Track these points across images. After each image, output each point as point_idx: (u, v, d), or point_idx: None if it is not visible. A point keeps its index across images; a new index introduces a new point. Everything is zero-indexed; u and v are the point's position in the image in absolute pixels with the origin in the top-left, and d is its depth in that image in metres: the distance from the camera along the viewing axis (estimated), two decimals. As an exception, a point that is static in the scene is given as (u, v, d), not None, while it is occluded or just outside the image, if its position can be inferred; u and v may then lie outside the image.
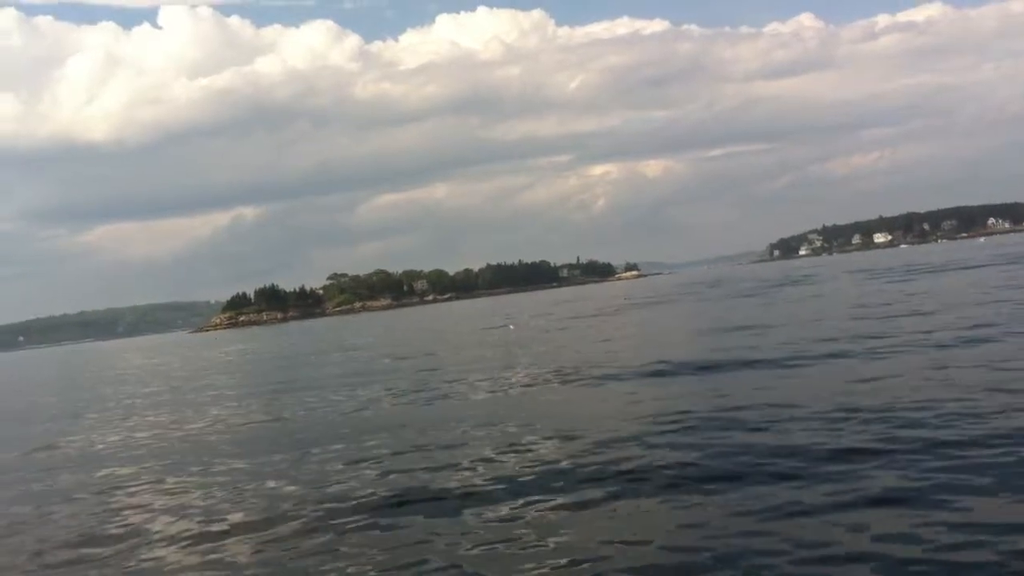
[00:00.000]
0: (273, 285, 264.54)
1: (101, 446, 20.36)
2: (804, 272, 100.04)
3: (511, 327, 51.80)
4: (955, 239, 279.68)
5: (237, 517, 11.64)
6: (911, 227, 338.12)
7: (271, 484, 13.42)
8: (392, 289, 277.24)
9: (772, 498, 9.71)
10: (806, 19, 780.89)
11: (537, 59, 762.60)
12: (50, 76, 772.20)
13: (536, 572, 8.33)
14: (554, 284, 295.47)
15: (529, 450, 13.67)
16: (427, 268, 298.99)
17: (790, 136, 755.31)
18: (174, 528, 11.46)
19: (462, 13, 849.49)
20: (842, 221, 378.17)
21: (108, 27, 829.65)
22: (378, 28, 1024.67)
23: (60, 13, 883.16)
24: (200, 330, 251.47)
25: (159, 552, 10.52)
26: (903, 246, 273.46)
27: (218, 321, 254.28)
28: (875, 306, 34.46)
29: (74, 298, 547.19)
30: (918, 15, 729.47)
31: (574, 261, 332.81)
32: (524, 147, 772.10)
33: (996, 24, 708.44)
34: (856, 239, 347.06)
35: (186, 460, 16.61)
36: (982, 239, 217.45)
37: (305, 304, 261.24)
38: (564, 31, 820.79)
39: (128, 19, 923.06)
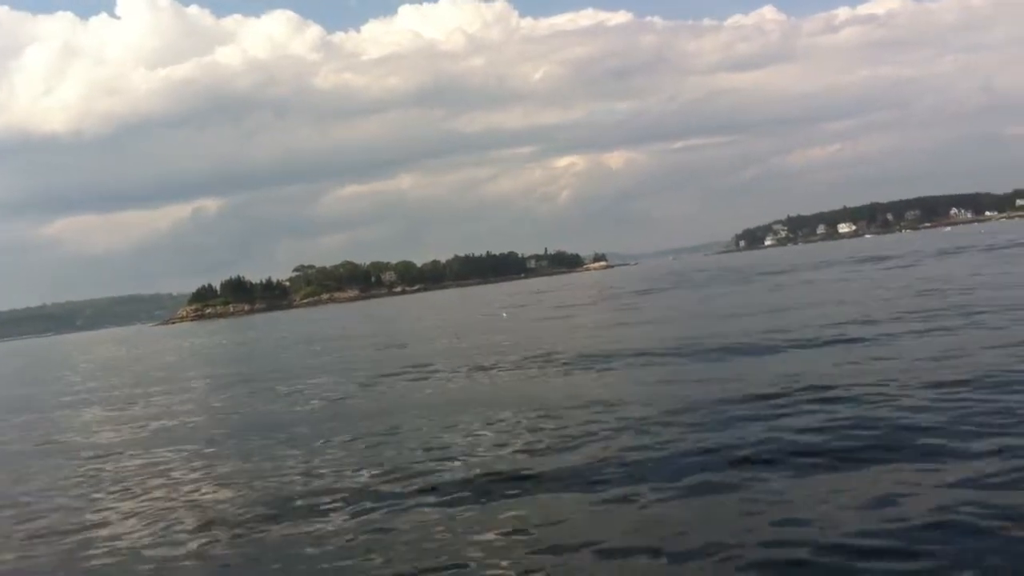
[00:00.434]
0: (239, 277, 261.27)
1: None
2: (780, 260, 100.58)
3: (504, 314, 52.16)
4: (918, 229, 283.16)
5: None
6: (875, 217, 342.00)
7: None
8: (359, 280, 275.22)
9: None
10: (768, 12, 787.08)
11: (501, 50, 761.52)
12: (6, 67, 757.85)
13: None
14: (522, 275, 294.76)
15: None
16: (391, 259, 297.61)
17: (752, 128, 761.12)
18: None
19: (425, 4, 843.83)
20: (806, 212, 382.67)
21: (65, 17, 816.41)
22: (340, 18, 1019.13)
23: (16, 3, 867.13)
24: (166, 323, 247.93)
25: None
26: (867, 236, 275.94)
27: (184, 313, 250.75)
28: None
29: (34, 291, 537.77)
30: (878, 8, 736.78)
31: (541, 252, 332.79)
32: (488, 138, 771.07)
33: (955, 17, 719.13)
34: (821, 229, 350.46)
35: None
36: (948, 228, 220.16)
37: (272, 296, 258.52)
38: (528, 22, 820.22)
39: (86, 8, 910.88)
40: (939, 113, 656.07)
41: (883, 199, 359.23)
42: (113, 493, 13.36)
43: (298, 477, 12.76)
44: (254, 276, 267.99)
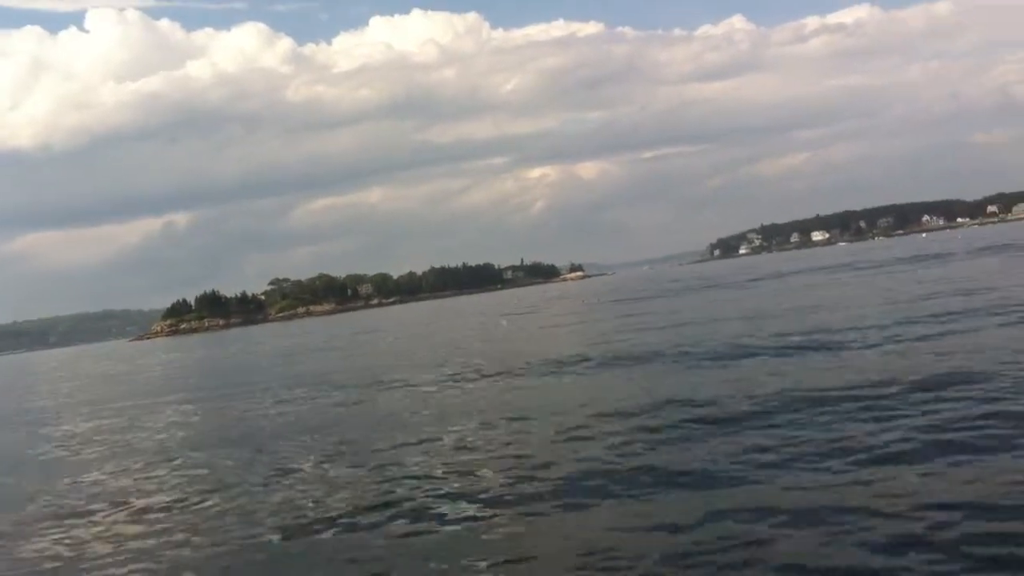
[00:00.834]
0: (214, 291, 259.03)
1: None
2: (763, 268, 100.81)
3: (503, 323, 52.27)
4: (891, 236, 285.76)
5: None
6: (848, 225, 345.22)
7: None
8: (335, 293, 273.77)
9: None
10: (737, 21, 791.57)
11: (472, 61, 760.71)
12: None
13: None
14: (498, 286, 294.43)
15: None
16: (364, 272, 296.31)
17: (723, 137, 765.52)
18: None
19: (396, 16, 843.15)
20: (779, 220, 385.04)
21: (33, 31, 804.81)
22: (311, 31, 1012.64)
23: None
24: (140, 338, 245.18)
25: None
26: (841, 244, 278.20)
27: (159, 329, 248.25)
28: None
29: (5, 308, 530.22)
30: (847, 17, 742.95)
31: (516, 263, 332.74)
32: (460, 150, 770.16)
33: (923, 25, 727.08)
34: (795, 237, 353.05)
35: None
36: (924, 235, 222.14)
37: (247, 310, 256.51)
38: (499, 33, 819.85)
39: (54, 23, 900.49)
40: (907, 121, 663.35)
41: (855, 207, 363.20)
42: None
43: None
44: (225, 290, 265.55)
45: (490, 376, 24.65)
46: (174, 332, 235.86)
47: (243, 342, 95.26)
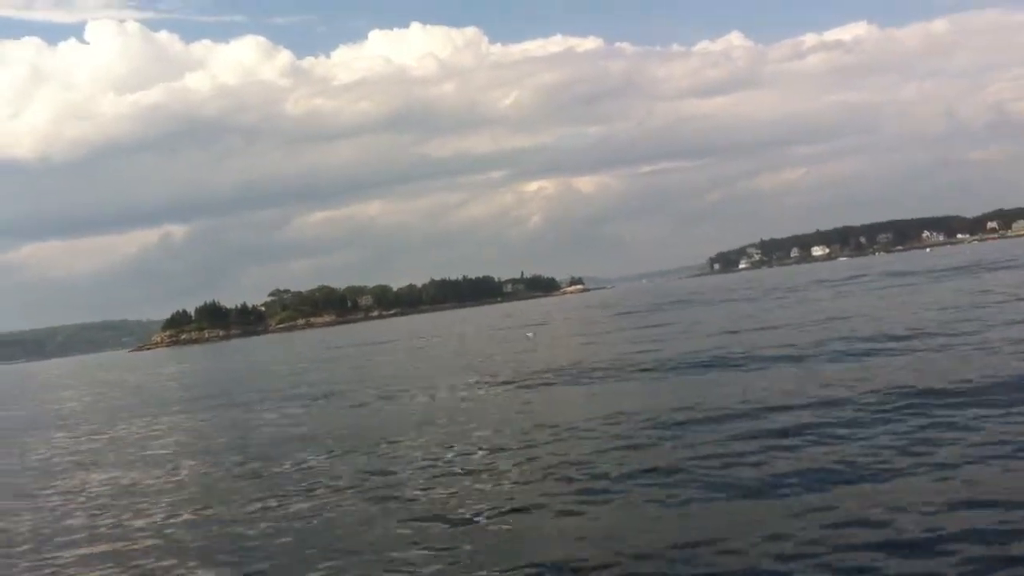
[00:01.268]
0: (214, 302, 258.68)
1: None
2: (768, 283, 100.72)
3: (529, 335, 52.19)
4: (891, 251, 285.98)
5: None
6: (847, 240, 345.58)
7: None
8: (336, 305, 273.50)
9: None
10: (735, 38, 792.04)
11: (471, 76, 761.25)
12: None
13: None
14: (499, 299, 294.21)
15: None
16: (361, 284, 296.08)
17: (721, 153, 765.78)
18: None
19: (395, 29, 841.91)
20: (778, 235, 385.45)
21: (33, 42, 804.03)
22: (310, 44, 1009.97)
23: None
24: (140, 348, 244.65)
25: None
26: (842, 259, 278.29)
27: (159, 339, 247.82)
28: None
29: (2, 318, 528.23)
30: (844, 34, 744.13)
31: (514, 276, 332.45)
32: (459, 164, 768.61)
33: (919, 43, 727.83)
34: (794, 252, 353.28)
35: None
36: (928, 250, 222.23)
37: (247, 321, 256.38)
38: (498, 48, 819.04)
39: (54, 34, 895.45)
40: (904, 138, 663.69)
41: (854, 222, 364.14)
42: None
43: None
44: (224, 302, 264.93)
45: (555, 383, 25.16)
46: (174, 342, 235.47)
47: (258, 352, 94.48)
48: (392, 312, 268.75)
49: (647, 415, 16.78)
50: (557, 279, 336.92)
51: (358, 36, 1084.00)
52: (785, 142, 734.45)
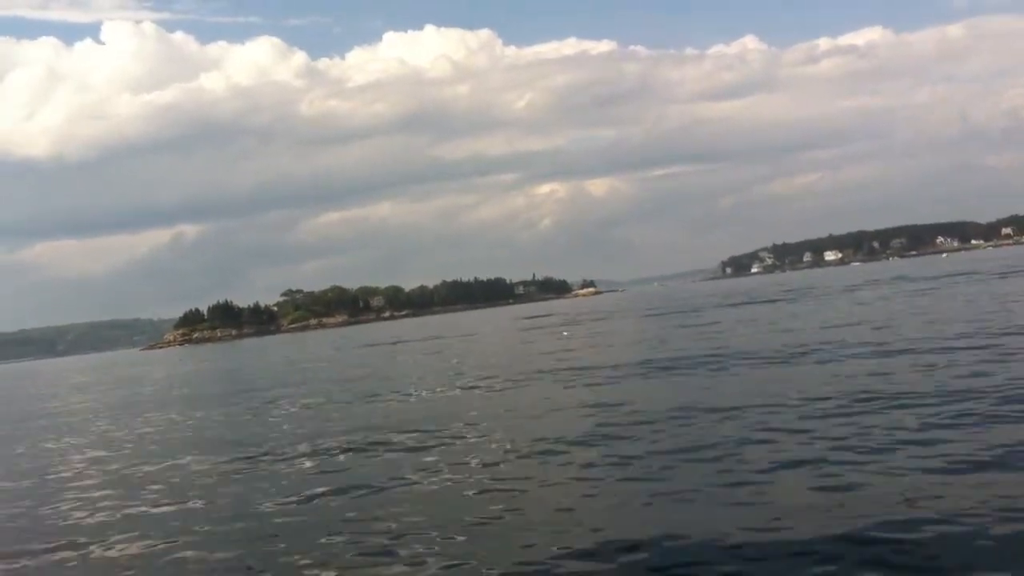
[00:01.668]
0: (227, 301, 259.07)
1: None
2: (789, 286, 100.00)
3: (565, 333, 51.82)
4: (905, 257, 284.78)
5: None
6: (861, 245, 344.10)
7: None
8: (348, 305, 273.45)
9: None
10: (750, 41, 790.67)
11: (485, 78, 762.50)
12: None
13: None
14: (510, 301, 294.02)
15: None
16: (372, 285, 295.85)
17: (735, 156, 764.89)
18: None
19: (410, 31, 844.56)
20: (791, 239, 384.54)
21: (49, 42, 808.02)
22: (325, 45, 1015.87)
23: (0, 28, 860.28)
24: (153, 347, 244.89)
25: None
26: (855, 264, 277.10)
27: (172, 338, 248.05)
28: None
29: (13, 316, 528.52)
30: (859, 39, 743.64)
31: (525, 278, 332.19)
32: (471, 166, 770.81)
33: (934, 48, 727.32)
34: (807, 257, 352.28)
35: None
36: (944, 255, 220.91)
37: (259, 321, 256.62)
38: (512, 50, 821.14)
39: (70, 34, 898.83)
40: (918, 143, 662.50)
41: (867, 227, 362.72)
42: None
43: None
44: (235, 302, 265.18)
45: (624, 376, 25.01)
46: (187, 341, 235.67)
47: (280, 350, 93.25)
48: (404, 313, 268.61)
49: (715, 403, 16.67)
50: (569, 282, 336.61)
51: (373, 38, 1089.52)
52: (799, 146, 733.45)
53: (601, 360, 30.37)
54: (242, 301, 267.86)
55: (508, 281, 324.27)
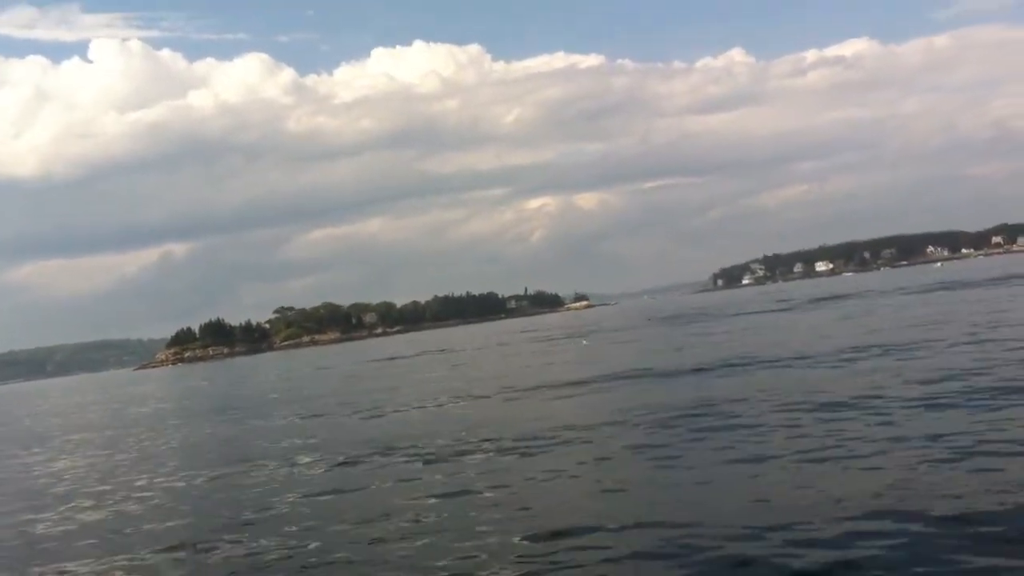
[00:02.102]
0: (219, 319, 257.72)
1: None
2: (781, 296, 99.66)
3: (584, 343, 51.60)
4: (896, 267, 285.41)
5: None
6: (852, 256, 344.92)
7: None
8: (340, 322, 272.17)
9: None
10: (737, 54, 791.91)
11: (474, 93, 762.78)
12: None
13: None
14: (502, 315, 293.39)
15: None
16: (362, 301, 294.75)
17: (723, 169, 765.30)
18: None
19: (398, 47, 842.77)
20: (781, 251, 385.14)
21: (36, 61, 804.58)
22: (313, 62, 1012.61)
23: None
24: (144, 367, 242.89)
25: None
26: (847, 274, 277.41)
27: (164, 357, 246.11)
28: None
29: (1, 337, 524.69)
30: (846, 50, 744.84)
31: (515, 292, 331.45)
32: (460, 180, 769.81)
33: (921, 59, 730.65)
34: (798, 268, 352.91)
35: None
36: (938, 264, 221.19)
37: (251, 339, 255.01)
38: (500, 65, 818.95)
39: (57, 53, 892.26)
40: (906, 154, 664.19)
41: (857, 237, 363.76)
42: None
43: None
44: (225, 320, 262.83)
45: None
46: (179, 360, 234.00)
47: (280, 369, 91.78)
48: (396, 329, 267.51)
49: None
50: (560, 295, 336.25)
51: (361, 54, 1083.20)
52: (787, 158, 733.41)
53: (656, 364, 30.70)
54: (231, 319, 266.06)
55: (500, 296, 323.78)
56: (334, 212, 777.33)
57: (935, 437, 12.63)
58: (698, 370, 26.42)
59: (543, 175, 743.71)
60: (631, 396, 22.56)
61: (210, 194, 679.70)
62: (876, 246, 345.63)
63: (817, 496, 10.45)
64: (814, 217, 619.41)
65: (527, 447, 16.42)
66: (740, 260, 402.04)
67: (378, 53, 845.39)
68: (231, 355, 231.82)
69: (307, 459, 18.67)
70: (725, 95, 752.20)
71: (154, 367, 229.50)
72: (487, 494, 12.84)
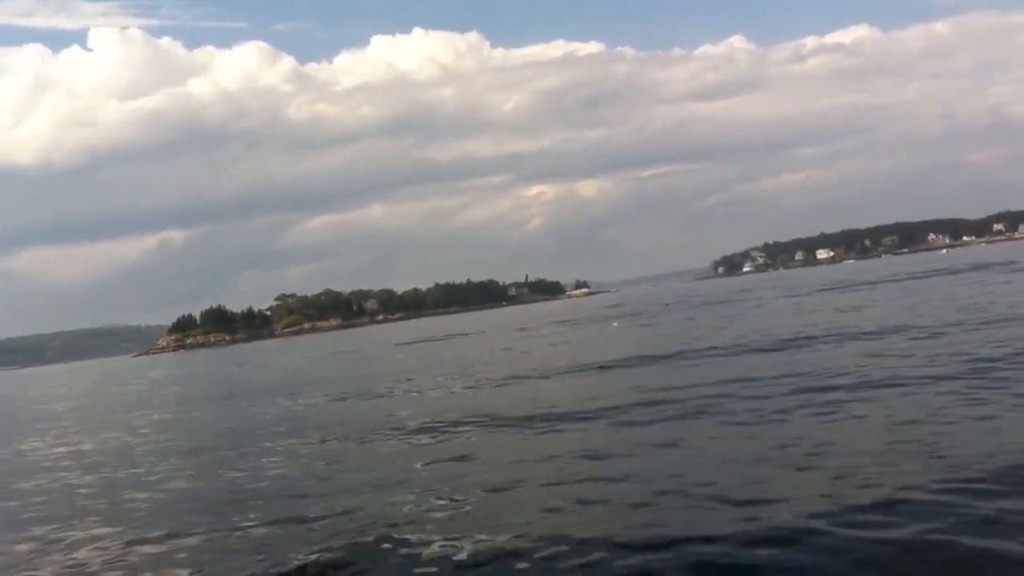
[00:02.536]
0: (220, 306, 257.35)
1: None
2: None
3: (615, 324, 51.22)
4: (898, 254, 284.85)
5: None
6: (852, 243, 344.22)
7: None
8: (341, 309, 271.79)
9: None
10: (736, 41, 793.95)
11: (473, 80, 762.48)
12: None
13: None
14: (503, 303, 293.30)
15: None
16: (362, 288, 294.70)
17: (723, 155, 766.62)
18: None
19: (397, 35, 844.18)
20: (781, 238, 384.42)
21: (36, 49, 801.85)
22: (312, 50, 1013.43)
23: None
24: (146, 353, 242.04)
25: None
26: (849, 261, 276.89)
27: (165, 344, 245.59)
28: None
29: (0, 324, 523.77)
30: (846, 37, 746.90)
31: (515, 280, 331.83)
32: (460, 168, 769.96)
33: (921, 45, 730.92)
34: (799, 255, 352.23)
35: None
36: (944, 251, 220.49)
37: (253, 326, 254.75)
38: (499, 53, 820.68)
39: (57, 41, 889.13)
40: (905, 140, 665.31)
41: (857, 225, 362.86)
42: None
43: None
44: (224, 307, 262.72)
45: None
46: (180, 347, 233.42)
47: (302, 354, 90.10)
48: (397, 316, 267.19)
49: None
50: (561, 283, 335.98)
51: (360, 41, 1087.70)
52: (787, 145, 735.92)
53: (719, 340, 30.48)
54: (230, 306, 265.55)
55: (501, 283, 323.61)
56: (334, 199, 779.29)
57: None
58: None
59: (542, 162, 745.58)
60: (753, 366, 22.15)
61: (210, 181, 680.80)
62: (877, 234, 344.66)
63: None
64: (813, 204, 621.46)
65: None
66: (739, 248, 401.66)
67: (377, 40, 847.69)
68: (232, 342, 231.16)
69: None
70: (725, 82, 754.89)
71: (155, 353, 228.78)
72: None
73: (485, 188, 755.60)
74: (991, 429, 11.73)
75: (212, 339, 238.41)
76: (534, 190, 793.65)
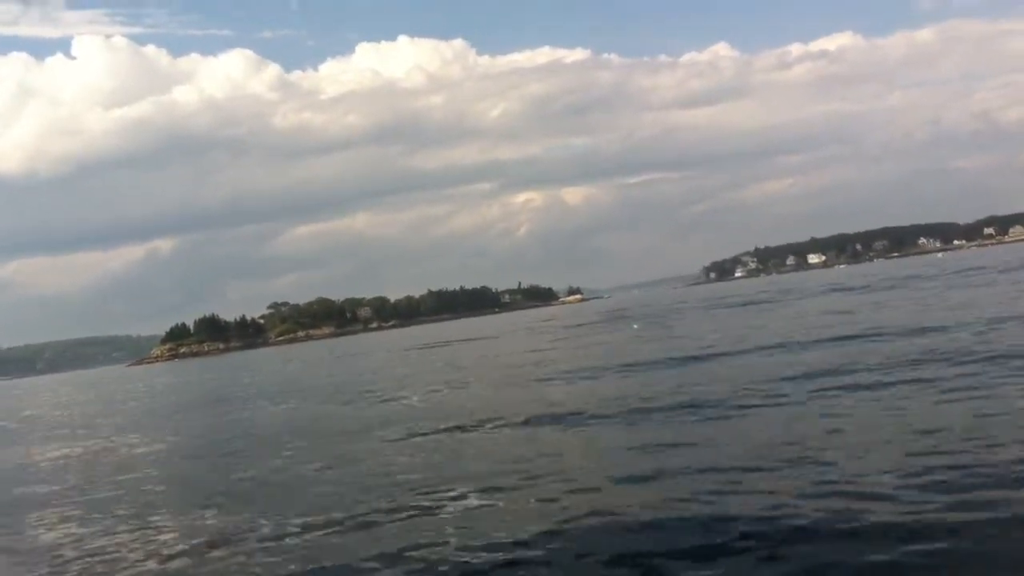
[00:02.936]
0: (213, 315, 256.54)
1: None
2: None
3: (635, 326, 51.56)
4: (889, 259, 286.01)
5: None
6: (844, 248, 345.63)
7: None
8: (334, 317, 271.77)
9: None
10: (721, 48, 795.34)
11: (459, 88, 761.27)
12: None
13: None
14: (496, 310, 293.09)
15: None
16: (352, 296, 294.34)
17: (709, 163, 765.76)
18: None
19: (383, 42, 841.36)
20: (772, 243, 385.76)
21: (19, 57, 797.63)
22: (298, 58, 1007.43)
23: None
24: (139, 363, 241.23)
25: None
26: (840, 267, 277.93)
27: (159, 353, 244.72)
28: None
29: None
30: (830, 44, 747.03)
31: (505, 287, 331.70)
32: (446, 176, 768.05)
33: (904, 52, 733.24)
34: (790, 260, 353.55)
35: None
36: (940, 255, 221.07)
37: (246, 334, 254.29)
38: (485, 60, 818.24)
39: (41, 49, 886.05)
40: (891, 146, 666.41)
41: (847, 230, 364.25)
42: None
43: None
44: (215, 315, 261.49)
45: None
46: (173, 356, 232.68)
47: (315, 362, 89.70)
48: (391, 324, 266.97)
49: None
50: (554, 289, 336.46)
51: (346, 49, 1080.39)
52: (773, 151, 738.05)
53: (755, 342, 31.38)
54: (220, 315, 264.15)
55: (493, 290, 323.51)
56: (322, 207, 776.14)
57: None
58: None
59: (529, 170, 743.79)
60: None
61: (197, 190, 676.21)
62: (867, 238, 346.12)
63: None
64: (800, 210, 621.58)
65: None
66: (728, 254, 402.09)
67: (363, 48, 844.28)
68: (227, 350, 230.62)
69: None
70: (710, 89, 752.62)
71: (149, 363, 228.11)
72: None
73: (472, 195, 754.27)
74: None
75: (206, 348, 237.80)
76: (522, 197, 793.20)
